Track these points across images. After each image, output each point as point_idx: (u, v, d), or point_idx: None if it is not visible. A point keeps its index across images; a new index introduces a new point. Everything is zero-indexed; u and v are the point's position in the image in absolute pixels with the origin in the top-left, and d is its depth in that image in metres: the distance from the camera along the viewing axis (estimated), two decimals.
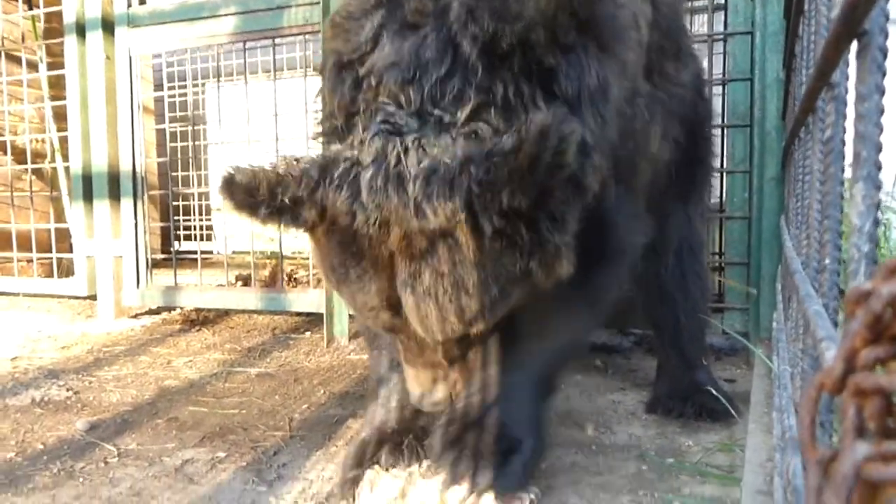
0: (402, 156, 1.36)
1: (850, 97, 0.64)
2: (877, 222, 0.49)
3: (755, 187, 3.00)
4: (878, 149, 0.49)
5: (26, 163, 4.64)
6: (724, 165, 3.21)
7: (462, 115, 1.38)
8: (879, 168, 0.49)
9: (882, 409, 0.27)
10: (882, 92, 0.49)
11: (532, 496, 1.65)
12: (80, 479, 1.93)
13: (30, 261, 4.60)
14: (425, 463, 1.73)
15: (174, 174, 4.41)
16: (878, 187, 0.49)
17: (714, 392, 2.34)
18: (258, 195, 1.41)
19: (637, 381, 2.82)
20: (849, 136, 0.64)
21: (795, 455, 0.83)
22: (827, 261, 0.70)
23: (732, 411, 2.27)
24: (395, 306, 1.45)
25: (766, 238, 2.97)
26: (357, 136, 1.46)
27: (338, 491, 1.76)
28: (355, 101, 1.51)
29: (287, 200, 1.40)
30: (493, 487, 1.59)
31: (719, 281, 3.24)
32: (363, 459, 1.78)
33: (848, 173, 0.62)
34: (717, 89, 3.40)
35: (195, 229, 6.83)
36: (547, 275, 1.46)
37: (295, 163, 1.44)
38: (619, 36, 1.60)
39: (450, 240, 1.35)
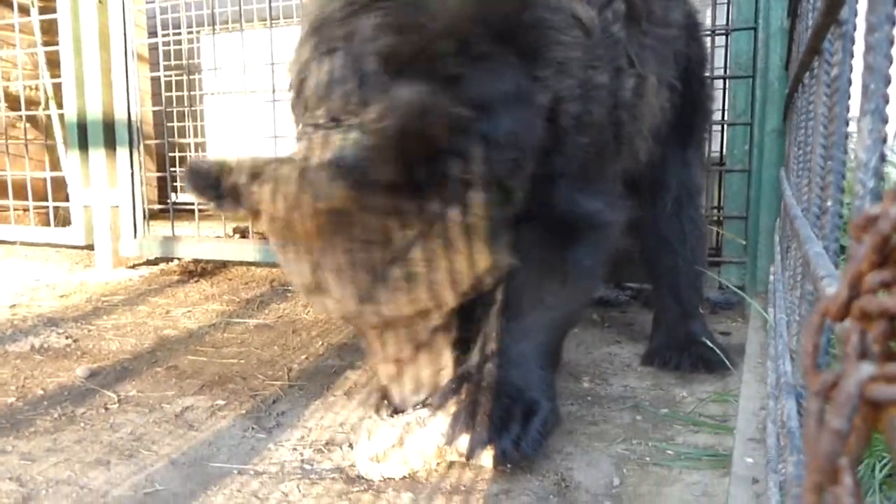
0: (312, 152, 1.56)
1: (859, 35, 0.62)
2: (883, 157, 0.48)
3: (756, 140, 2.97)
4: (887, 81, 0.48)
5: (20, 110, 4.59)
6: (725, 118, 3.17)
7: (367, 117, 1.53)
8: (887, 101, 0.48)
9: (887, 332, 0.27)
10: (893, 23, 0.47)
11: None
12: (81, 424, 1.95)
13: (26, 209, 4.57)
14: (426, 415, 1.74)
15: (170, 125, 4.36)
16: (886, 121, 0.48)
17: (709, 343, 2.37)
18: (208, 182, 1.65)
19: (633, 335, 2.84)
20: (856, 76, 0.63)
21: (790, 398, 0.84)
22: (829, 203, 0.69)
23: (727, 362, 2.29)
24: (325, 291, 1.59)
25: (765, 191, 2.95)
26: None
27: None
28: (300, 118, 1.75)
29: (229, 188, 1.63)
30: (514, 449, 1.64)
31: (717, 234, 3.24)
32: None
33: (853, 113, 0.60)
34: (720, 40, 3.35)
35: None
36: (465, 263, 1.59)
37: (246, 159, 1.66)
38: (551, 40, 1.71)
39: (349, 221, 1.50)
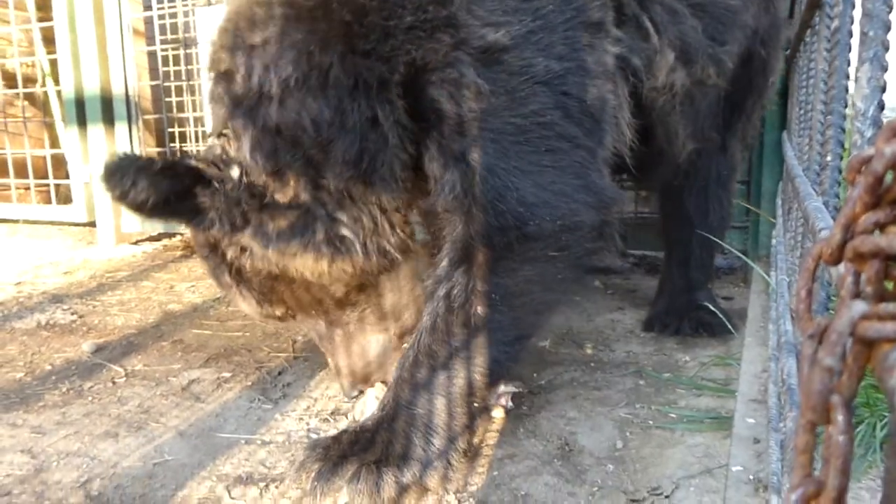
0: None
1: None
2: (882, 106, 0.47)
3: None
4: (887, 28, 0.47)
5: (17, 87, 4.56)
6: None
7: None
8: (887, 48, 0.47)
9: (880, 272, 0.27)
10: None
11: (512, 389, 1.76)
12: (89, 398, 1.97)
13: (27, 188, 4.57)
14: None
15: (168, 99, 4.33)
16: (885, 68, 0.48)
17: (711, 308, 2.37)
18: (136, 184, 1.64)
19: (635, 301, 2.84)
20: (855, 28, 0.62)
21: (790, 357, 0.84)
22: (829, 157, 0.68)
23: (729, 326, 2.29)
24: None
25: (767, 155, 2.94)
26: None
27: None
28: None
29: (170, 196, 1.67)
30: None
31: None
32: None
33: (853, 69, 0.60)
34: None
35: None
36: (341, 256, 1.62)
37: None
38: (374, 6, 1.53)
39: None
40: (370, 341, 1.86)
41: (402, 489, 1.38)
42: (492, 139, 1.51)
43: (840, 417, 0.26)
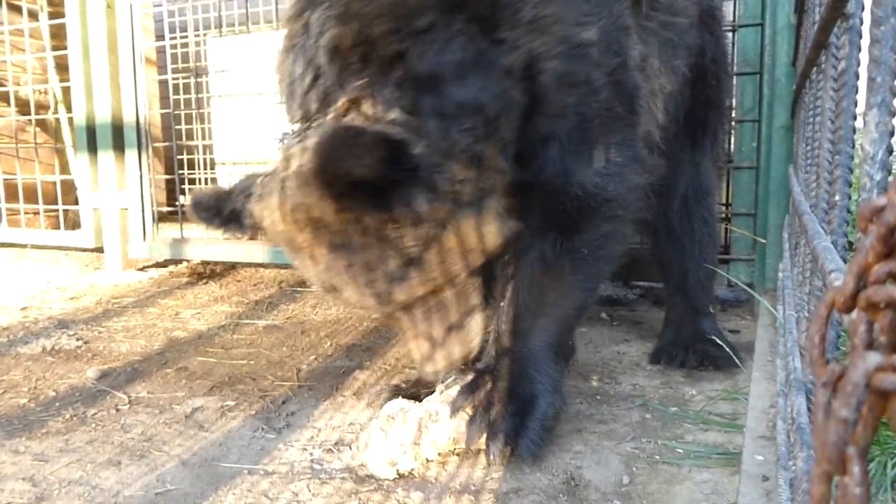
0: (286, 162, 1.54)
1: (865, 28, 0.62)
2: (890, 150, 0.48)
3: (763, 136, 2.96)
4: (894, 74, 0.48)
5: (30, 114, 4.62)
6: (733, 115, 3.16)
7: (332, 114, 1.54)
8: (894, 94, 0.48)
9: (893, 322, 0.27)
10: None
11: None
12: (93, 425, 1.96)
13: (36, 213, 4.60)
14: (434, 408, 1.75)
15: (178, 127, 4.37)
16: (893, 114, 0.48)
17: (718, 341, 2.36)
18: (210, 211, 1.71)
19: (642, 333, 2.83)
20: (863, 70, 0.63)
21: (800, 395, 0.83)
22: (837, 197, 0.69)
23: (736, 360, 2.28)
24: (338, 290, 1.62)
25: (773, 188, 2.94)
26: None
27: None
28: (288, 118, 1.75)
29: (228, 214, 1.69)
30: (515, 442, 1.70)
31: (726, 231, 3.22)
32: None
33: (860, 108, 0.60)
34: (727, 36, 3.33)
35: (200, 183, 6.81)
36: (459, 239, 1.58)
37: (245, 178, 1.71)
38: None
39: (329, 226, 1.51)
40: (466, 323, 1.82)
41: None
42: (579, 122, 1.78)
43: (856, 469, 0.26)
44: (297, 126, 1.64)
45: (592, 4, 1.78)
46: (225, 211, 1.68)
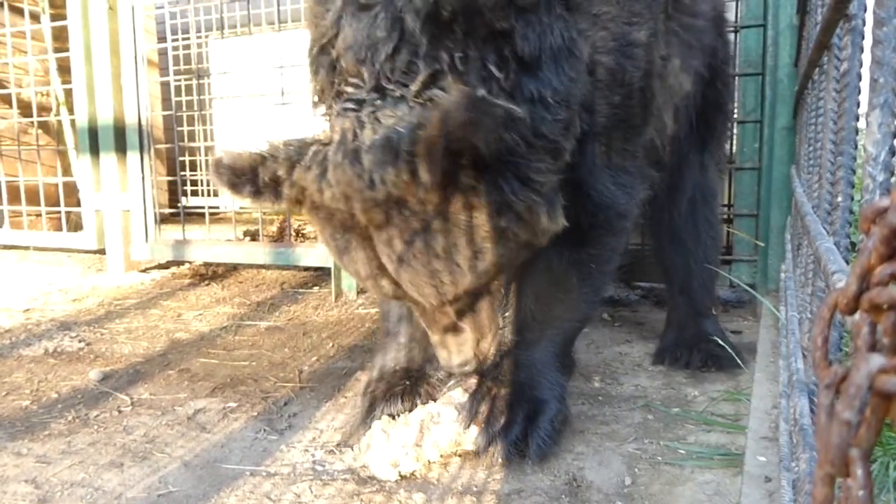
0: (357, 131, 1.41)
1: (867, 30, 0.62)
2: (893, 151, 0.48)
3: (766, 137, 2.96)
4: None
5: (32, 116, 4.62)
6: (735, 115, 3.16)
7: (414, 86, 1.41)
8: None
9: None
10: None
11: None
12: (95, 427, 1.96)
13: (38, 215, 4.61)
14: (436, 409, 1.76)
15: (180, 129, 4.38)
16: (895, 114, 0.48)
17: (720, 341, 2.36)
18: (243, 176, 1.48)
19: (644, 334, 2.83)
20: (865, 71, 0.63)
21: (802, 396, 0.83)
22: (839, 198, 0.69)
23: (738, 360, 2.28)
24: (385, 275, 1.52)
25: (775, 189, 2.94)
26: (331, 118, 1.55)
27: (353, 442, 1.81)
28: (331, 84, 1.57)
29: (268, 180, 1.47)
30: (525, 444, 1.70)
31: (728, 232, 3.22)
32: (374, 409, 1.85)
33: (863, 109, 0.60)
34: (730, 37, 3.33)
35: (202, 184, 6.82)
36: (528, 231, 1.51)
37: (279, 145, 1.49)
38: None
39: (408, 207, 1.40)
40: (487, 320, 1.77)
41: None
42: (615, 123, 1.75)
43: (859, 471, 0.25)
44: (362, 94, 1.48)
45: (641, 6, 1.76)
46: (260, 177, 1.47)
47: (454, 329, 1.70)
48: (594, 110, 1.69)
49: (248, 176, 1.47)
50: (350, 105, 1.47)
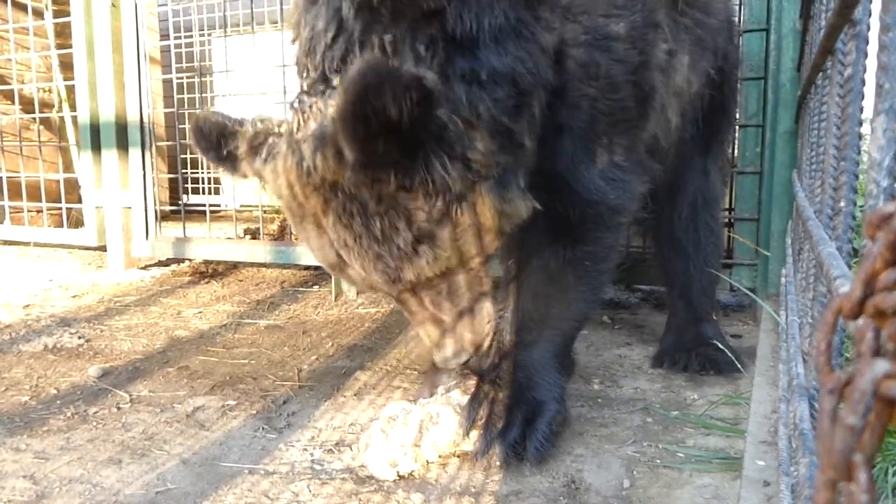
0: (302, 123, 1.47)
1: (872, 35, 0.62)
2: None
3: (768, 141, 2.96)
4: None
5: (34, 112, 4.63)
6: (737, 119, 3.16)
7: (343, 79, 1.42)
8: None
9: None
10: None
11: None
12: (94, 423, 1.97)
13: (39, 211, 4.61)
14: (435, 409, 1.75)
15: (182, 126, 4.38)
16: None
17: (719, 345, 2.35)
18: (211, 141, 1.59)
19: (643, 337, 2.83)
20: (869, 76, 0.63)
21: (802, 400, 0.83)
22: (842, 203, 0.69)
23: (738, 364, 2.27)
24: (344, 265, 1.55)
25: (777, 193, 2.94)
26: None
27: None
28: (300, 76, 1.63)
29: (226, 154, 1.58)
30: (522, 447, 1.70)
31: (729, 236, 3.22)
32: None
33: (866, 114, 0.60)
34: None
35: (203, 182, 6.82)
36: (477, 215, 1.51)
37: (249, 124, 1.57)
38: None
39: (343, 190, 1.42)
40: (479, 311, 1.73)
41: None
42: (592, 116, 1.72)
43: (863, 476, 0.26)
44: (313, 85, 1.52)
45: None
46: (224, 149, 1.58)
47: (436, 321, 1.66)
48: (567, 103, 1.68)
49: (214, 144, 1.59)
50: (302, 97, 1.53)
